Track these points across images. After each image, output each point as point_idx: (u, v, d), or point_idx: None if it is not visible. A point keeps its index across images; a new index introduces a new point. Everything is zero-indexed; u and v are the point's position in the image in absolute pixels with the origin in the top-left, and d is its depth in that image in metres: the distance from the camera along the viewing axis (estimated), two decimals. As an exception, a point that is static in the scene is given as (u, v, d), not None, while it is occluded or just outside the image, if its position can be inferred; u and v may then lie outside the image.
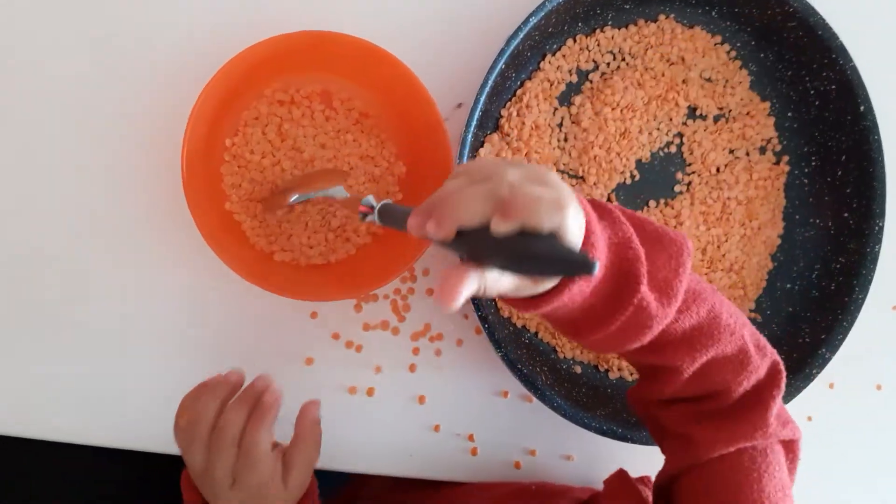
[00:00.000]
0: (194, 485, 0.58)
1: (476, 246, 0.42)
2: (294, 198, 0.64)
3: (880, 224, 0.71)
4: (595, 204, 0.50)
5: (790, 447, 0.57)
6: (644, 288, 0.48)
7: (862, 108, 0.70)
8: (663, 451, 0.60)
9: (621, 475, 0.61)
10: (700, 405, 0.57)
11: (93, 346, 0.68)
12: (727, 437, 0.54)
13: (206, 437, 0.56)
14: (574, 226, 0.41)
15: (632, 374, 0.72)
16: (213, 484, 0.55)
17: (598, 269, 0.44)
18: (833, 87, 0.72)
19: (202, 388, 0.58)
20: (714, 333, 0.53)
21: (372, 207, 0.55)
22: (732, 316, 0.54)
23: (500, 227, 0.40)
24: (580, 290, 0.46)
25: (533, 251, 0.40)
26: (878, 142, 0.71)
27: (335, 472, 0.70)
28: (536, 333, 0.71)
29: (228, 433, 0.56)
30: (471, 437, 0.71)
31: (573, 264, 0.39)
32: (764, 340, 0.57)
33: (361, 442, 0.70)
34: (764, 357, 0.56)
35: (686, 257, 0.50)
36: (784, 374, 0.57)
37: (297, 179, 0.66)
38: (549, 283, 0.44)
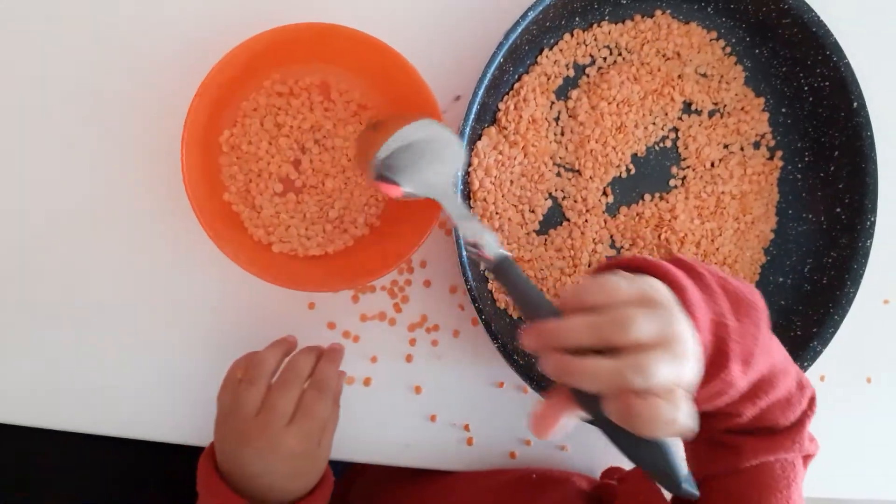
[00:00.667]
0: (214, 468, 0.59)
1: (584, 400, 0.42)
2: (379, 157, 0.55)
3: (872, 219, 0.72)
4: (692, 272, 0.49)
5: (805, 461, 0.59)
6: (733, 366, 0.48)
7: (855, 104, 0.71)
8: (697, 455, 0.60)
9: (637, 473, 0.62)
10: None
11: (91, 336, 0.69)
12: (770, 447, 0.56)
13: (268, 379, 0.59)
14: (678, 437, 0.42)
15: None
16: (271, 420, 0.56)
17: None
18: (827, 83, 0.72)
19: (257, 352, 0.61)
20: (773, 381, 0.53)
21: (489, 257, 0.49)
22: (785, 358, 0.55)
23: (612, 418, 0.40)
24: None
25: (635, 452, 0.41)
26: (871, 138, 0.71)
27: (331, 462, 0.71)
28: (532, 325, 0.72)
29: (299, 369, 0.60)
30: (466, 427, 0.72)
31: (664, 481, 0.41)
32: (804, 375, 0.58)
33: (358, 432, 0.71)
34: (804, 393, 0.57)
35: (763, 323, 0.50)
36: (816, 399, 0.58)
37: (389, 121, 0.60)
38: None
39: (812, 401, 0.58)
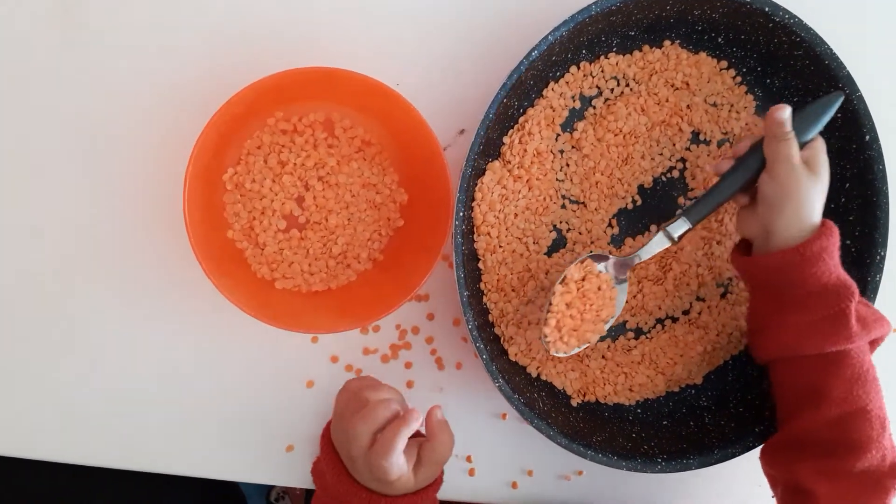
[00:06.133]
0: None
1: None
2: None
3: (882, 253, 0.71)
4: None
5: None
6: (855, 302, 0.60)
7: (867, 137, 0.70)
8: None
9: None
10: (832, 460, 0.61)
11: (95, 370, 0.70)
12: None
13: (379, 424, 0.59)
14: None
15: (628, 401, 0.73)
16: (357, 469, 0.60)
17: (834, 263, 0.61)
18: (839, 115, 0.71)
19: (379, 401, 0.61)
20: (876, 387, 0.62)
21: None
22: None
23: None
24: (833, 244, 0.61)
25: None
26: (883, 171, 0.70)
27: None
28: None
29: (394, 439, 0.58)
30: (469, 459, 0.73)
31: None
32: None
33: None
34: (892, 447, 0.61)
35: (880, 313, 0.63)
36: None
37: None
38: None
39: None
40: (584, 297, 0.67)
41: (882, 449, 0.60)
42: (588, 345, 0.68)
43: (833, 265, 0.62)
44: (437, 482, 0.64)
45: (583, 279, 0.67)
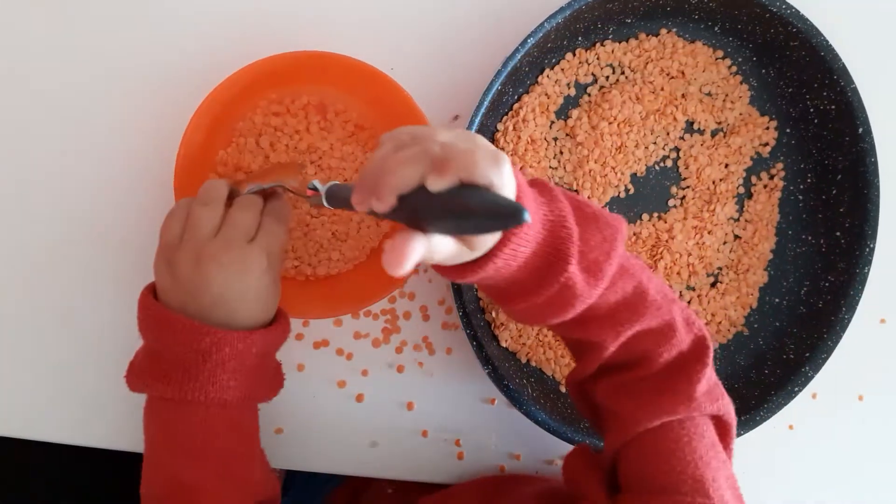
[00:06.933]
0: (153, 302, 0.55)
1: (416, 210, 0.42)
2: (249, 188, 0.58)
3: (871, 246, 0.71)
4: (535, 181, 0.50)
5: (722, 426, 0.57)
6: (573, 268, 0.47)
7: (860, 129, 0.70)
8: (602, 436, 0.59)
9: (582, 447, 0.61)
10: (624, 374, 0.56)
11: (89, 354, 0.70)
12: (651, 410, 0.54)
13: (223, 201, 0.54)
14: (509, 181, 0.42)
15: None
16: (235, 235, 0.53)
17: (530, 236, 0.46)
18: (833, 107, 0.71)
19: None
20: (639, 309, 0.53)
21: (317, 190, 0.53)
22: (660, 292, 0.54)
23: (436, 184, 0.40)
24: (512, 254, 0.45)
25: (468, 204, 0.40)
26: (875, 164, 0.70)
27: (327, 475, 0.72)
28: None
29: (252, 197, 0.55)
30: (457, 442, 0.73)
31: (505, 213, 0.40)
32: (694, 317, 0.57)
33: (350, 446, 0.72)
34: (690, 332, 0.56)
35: (619, 241, 0.50)
36: (711, 349, 0.56)
37: (254, 174, 0.64)
38: (483, 249, 0.44)
39: (702, 349, 0.55)
40: None
41: (679, 344, 0.54)
42: None
43: (523, 254, 0.46)
44: (286, 318, 0.59)
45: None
